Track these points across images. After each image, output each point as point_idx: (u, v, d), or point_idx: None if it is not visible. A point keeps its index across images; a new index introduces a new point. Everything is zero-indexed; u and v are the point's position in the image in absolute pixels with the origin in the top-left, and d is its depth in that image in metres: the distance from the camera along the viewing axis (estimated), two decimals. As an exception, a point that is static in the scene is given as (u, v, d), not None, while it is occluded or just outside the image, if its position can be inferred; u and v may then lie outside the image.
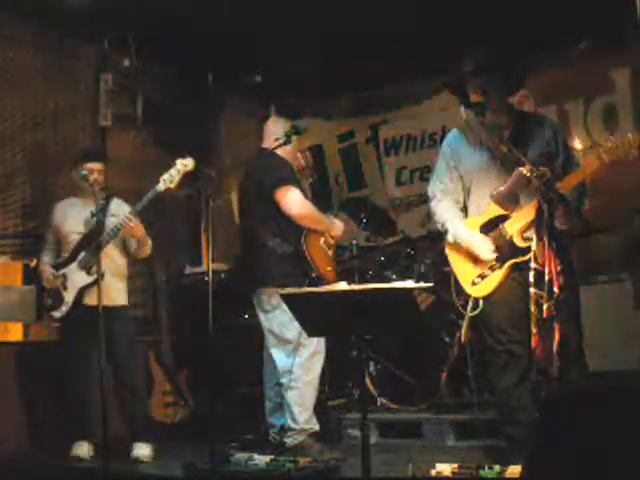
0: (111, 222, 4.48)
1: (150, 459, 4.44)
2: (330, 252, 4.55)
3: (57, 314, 4.52)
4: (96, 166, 4.62)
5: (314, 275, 4.27)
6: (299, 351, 4.24)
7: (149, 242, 4.61)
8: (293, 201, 4.28)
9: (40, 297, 5.16)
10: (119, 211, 4.58)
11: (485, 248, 3.67)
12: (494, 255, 3.65)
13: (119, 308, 4.61)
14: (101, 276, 4.23)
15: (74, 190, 4.73)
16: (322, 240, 4.48)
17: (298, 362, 4.24)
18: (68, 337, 4.57)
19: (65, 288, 4.53)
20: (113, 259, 4.60)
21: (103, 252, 4.35)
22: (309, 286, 4.16)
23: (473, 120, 3.75)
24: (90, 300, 4.41)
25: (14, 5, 4.93)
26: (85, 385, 4.48)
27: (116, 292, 4.62)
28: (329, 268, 4.44)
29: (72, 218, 4.64)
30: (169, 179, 4.29)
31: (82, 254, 4.51)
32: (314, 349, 4.27)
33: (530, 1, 4.89)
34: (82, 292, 4.47)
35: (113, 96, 5.56)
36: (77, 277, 4.49)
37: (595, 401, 2.06)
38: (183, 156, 4.40)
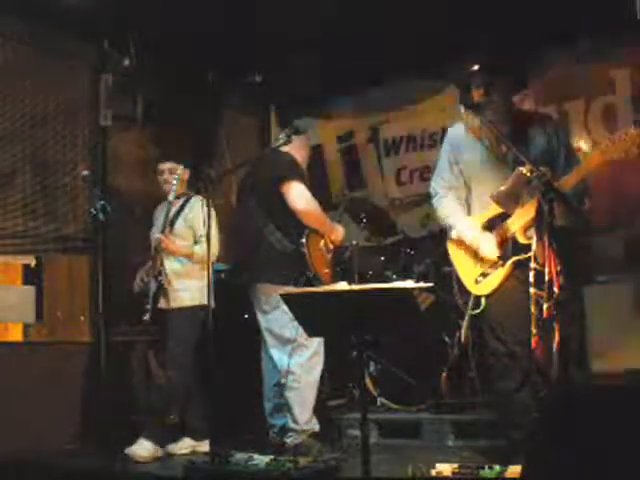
0: (187, 223, 4.67)
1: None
2: (329, 256, 4.54)
3: (145, 318, 4.57)
4: (167, 166, 4.73)
5: (310, 275, 4.26)
6: (300, 351, 4.24)
7: (194, 254, 4.63)
8: (299, 196, 4.27)
9: (40, 297, 5.18)
10: (194, 209, 4.69)
11: (490, 246, 3.67)
12: (498, 253, 3.65)
13: (186, 309, 4.61)
14: (166, 281, 4.59)
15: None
16: (322, 242, 4.48)
17: (299, 362, 4.24)
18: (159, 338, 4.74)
19: (148, 294, 4.62)
20: (178, 260, 4.64)
21: (169, 257, 4.61)
22: (305, 285, 4.16)
23: (472, 120, 3.75)
24: (160, 303, 4.59)
25: (15, 5, 4.94)
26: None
27: (182, 293, 4.63)
28: (326, 270, 4.43)
29: (156, 222, 4.79)
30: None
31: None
32: (315, 349, 4.27)
33: (530, 1, 4.89)
34: (155, 298, 4.57)
35: (113, 96, 5.56)
36: (152, 283, 4.61)
37: (595, 401, 2.05)
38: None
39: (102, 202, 4.38)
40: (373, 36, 5.41)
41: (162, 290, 4.59)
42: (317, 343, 4.26)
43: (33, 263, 5.17)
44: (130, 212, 5.40)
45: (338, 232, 4.58)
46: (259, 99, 6.64)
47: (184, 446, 4.62)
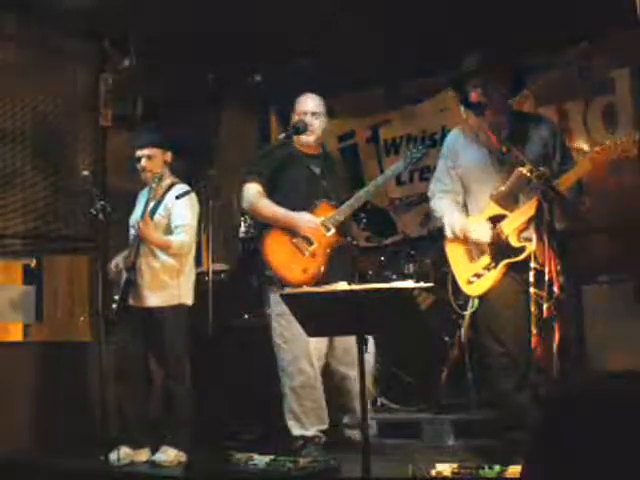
0: (166, 212, 4.36)
1: (170, 464, 4.15)
2: (308, 251, 4.09)
3: (112, 312, 4.31)
4: (145, 152, 4.45)
5: (267, 273, 4.09)
6: (280, 355, 4.15)
7: (171, 246, 4.29)
8: (243, 196, 4.26)
9: (40, 297, 5.18)
10: (173, 199, 4.30)
11: (479, 230, 3.67)
12: (489, 237, 3.64)
13: (167, 308, 4.32)
14: (139, 275, 4.26)
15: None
16: (298, 238, 4.13)
17: (280, 367, 4.15)
18: (121, 337, 4.44)
19: (119, 286, 4.34)
20: (156, 256, 4.33)
21: (145, 250, 4.30)
22: (267, 284, 4.11)
23: (472, 120, 3.75)
24: (132, 301, 4.30)
25: (15, 5, 4.94)
26: (135, 387, 4.37)
27: (160, 291, 4.33)
28: (293, 266, 4.06)
29: (136, 209, 4.55)
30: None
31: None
32: (295, 354, 4.07)
33: (530, 1, 4.89)
34: (125, 292, 4.27)
35: (113, 96, 5.56)
36: (124, 276, 4.32)
37: (595, 401, 2.05)
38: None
39: (102, 202, 4.39)
40: (373, 36, 5.41)
41: (133, 286, 4.26)
42: (301, 346, 4.02)
43: (33, 263, 5.17)
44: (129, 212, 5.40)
45: (301, 224, 4.12)
46: (259, 99, 6.63)
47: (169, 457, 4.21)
